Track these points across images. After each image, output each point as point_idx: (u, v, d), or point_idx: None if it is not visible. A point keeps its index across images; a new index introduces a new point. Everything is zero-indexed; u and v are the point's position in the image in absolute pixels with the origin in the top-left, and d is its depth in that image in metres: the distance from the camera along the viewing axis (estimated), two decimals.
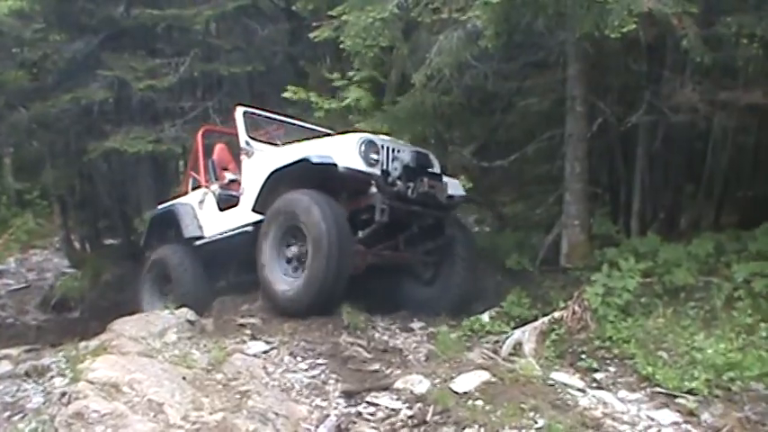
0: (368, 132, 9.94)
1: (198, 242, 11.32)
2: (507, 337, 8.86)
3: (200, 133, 12.39)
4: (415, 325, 9.80)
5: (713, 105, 9.73)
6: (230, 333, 9.06)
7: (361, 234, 9.62)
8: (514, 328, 9.17)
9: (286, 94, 11.92)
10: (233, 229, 10.65)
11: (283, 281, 9.49)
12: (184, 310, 9.65)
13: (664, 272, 9.31)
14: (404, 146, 10.09)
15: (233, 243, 10.70)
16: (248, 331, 9.01)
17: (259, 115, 11.42)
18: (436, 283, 10.51)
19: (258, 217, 10.03)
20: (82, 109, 15.55)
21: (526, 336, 8.66)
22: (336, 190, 9.60)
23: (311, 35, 11.34)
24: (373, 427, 6.52)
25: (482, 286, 10.89)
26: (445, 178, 10.21)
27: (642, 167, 11.01)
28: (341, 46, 10.61)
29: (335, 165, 9.31)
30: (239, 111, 11.04)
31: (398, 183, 9.59)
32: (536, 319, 9.14)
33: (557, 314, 8.85)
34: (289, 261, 9.61)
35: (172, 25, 15.51)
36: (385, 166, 9.63)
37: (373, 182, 9.48)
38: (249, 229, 10.28)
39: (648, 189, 11.14)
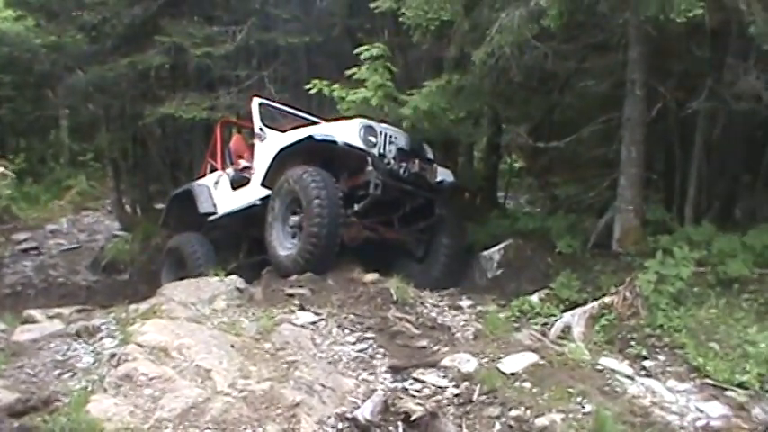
0: (368, 119, 10.77)
1: (211, 218, 12.66)
2: (556, 320, 8.82)
3: (218, 125, 13.67)
4: (464, 303, 9.82)
5: None
6: (279, 303, 9.10)
7: (357, 207, 10.56)
8: (564, 310, 9.10)
9: (307, 87, 11.92)
10: (244, 206, 11.86)
11: (284, 246, 10.48)
12: (234, 277, 9.74)
13: (718, 262, 9.12)
14: (400, 133, 11.03)
15: (243, 218, 11.98)
16: (297, 302, 9.05)
17: (273, 107, 12.54)
18: (426, 261, 11.39)
19: (266, 192, 11.12)
20: (138, 74, 15.62)
21: (575, 319, 8.60)
22: (338, 169, 10.61)
23: (372, 5, 11.35)
24: (419, 404, 6.50)
25: (531, 267, 10.85)
26: (437, 166, 11.31)
27: (699, 155, 10.80)
28: (401, 19, 10.68)
29: (336, 142, 10.35)
30: (255, 101, 12.27)
31: (392, 162, 10.70)
32: (586, 302, 9.05)
33: (607, 299, 8.76)
34: (291, 229, 10.57)
35: None
36: (382, 150, 10.71)
37: (369, 159, 10.40)
38: (258, 203, 11.42)
39: (705, 177, 10.93)
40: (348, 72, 11.31)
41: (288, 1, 15.25)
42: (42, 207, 20.25)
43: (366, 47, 11.32)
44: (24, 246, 18.01)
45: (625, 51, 10.31)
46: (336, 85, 11.39)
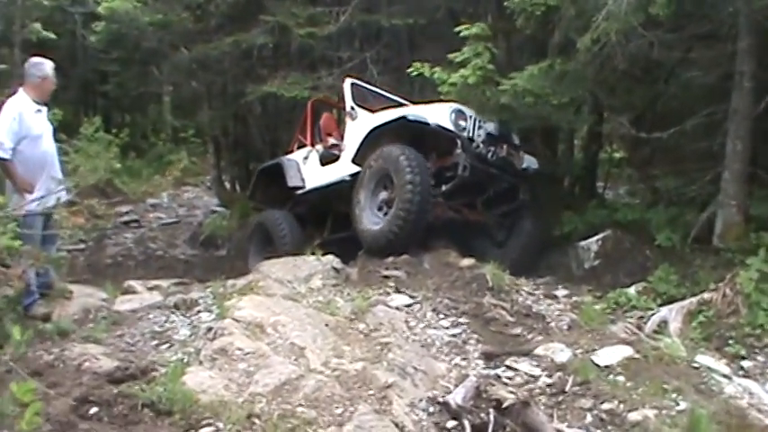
0: (460, 104, 10.94)
1: (299, 192, 12.97)
2: (653, 314, 8.69)
3: (309, 103, 13.79)
4: (560, 292, 9.77)
5: None
6: (374, 284, 9.20)
7: (444, 188, 10.85)
8: (661, 305, 8.96)
9: (410, 70, 11.94)
10: (332, 181, 12.14)
11: (372, 221, 10.77)
12: (330, 257, 9.82)
13: None
14: (489, 119, 11.18)
15: (330, 193, 12.25)
16: (392, 284, 9.13)
17: (364, 87, 12.72)
18: (505, 245, 11.59)
19: (355, 169, 11.45)
20: (242, 52, 15.86)
21: (672, 314, 8.47)
22: (427, 148, 10.85)
23: None
24: (511, 392, 6.46)
25: (629, 259, 10.71)
26: (523, 153, 11.59)
27: None
28: (505, 3, 10.72)
29: (428, 123, 10.65)
30: (347, 81, 12.54)
31: (481, 146, 10.94)
32: (684, 298, 8.90)
33: (706, 295, 8.58)
34: (379, 205, 10.88)
35: None
36: (471, 133, 10.93)
37: (459, 142, 10.69)
38: (347, 179, 11.69)
39: None
40: (451, 56, 11.25)
41: None
42: (144, 181, 20.67)
43: (467, 26, 11.29)
44: (126, 218, 18.49)
45: (734, 42, 10.04)
46: (438, 68, 11.37)
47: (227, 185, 20.30)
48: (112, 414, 5.43)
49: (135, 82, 22.00)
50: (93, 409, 5.43)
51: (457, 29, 11.46)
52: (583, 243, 11.20)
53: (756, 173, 10.70)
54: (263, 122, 19.04)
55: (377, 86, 13.24)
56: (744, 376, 7.32)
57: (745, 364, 7.58)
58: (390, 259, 9.96)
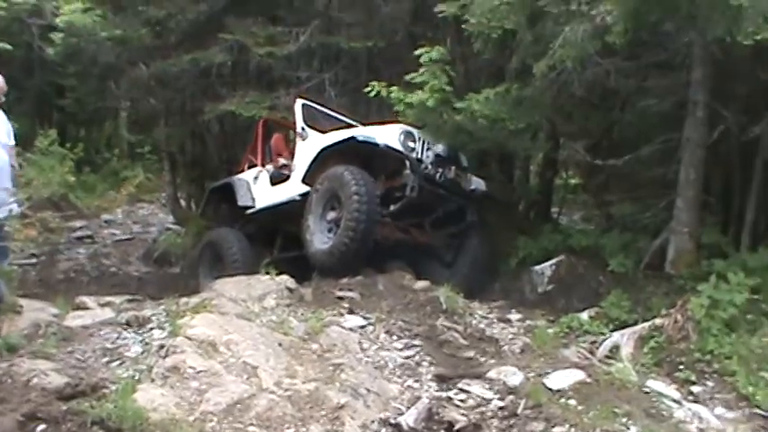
0: (409, 125, 11.10)
1: (249, 211, 13.04)
2: (605, 339, 8.75)
3: (260, 123, 14.01)
4: (513, 316, 9.76)
5: None
6: (328, 305, 9.15)
7: (392, 208, 11.00)
8: (613, 330, 9.02)
9: (366, 89, 11.98)
10: (282, 201, 12.25)
11: (321, 240, 10.87)
12: (284, 276, 9.79)
13: None
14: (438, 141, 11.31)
15: (281, 213, 12.33)
16: (346, 305, 9.10)
17: (315, 108, 12.92)
18: (453, 266, 11.68)
19: (305, 189, 11.52)
20: (200, 70, 15.74)
21: (624, 339, 8.53)
22: (376, 170, 11.04)
23: (437, 9, 11.34)
24: (463, 414, 6.49)
25: (582, 284, 10.78)
26: (471, 175, 11.72)
27: (759, 179, 10.64)
28: (463, 26, 10.73)
29: (377, 144, 10.83)
30: (298, 102, 12.77)
31: (430, 167, 11.06)
32: (635, 323, 8.97)
33: (658, 321, 8.66)
34: (329, 226, 10.93)
35: None
36: (420, 155, 11.07)
37: (408, 162, 10.84)
38: (297, 198, 11.77)
39: (764, 202, 10.76)
40: (408, 76, 11.29)
41: (352, 5, 15.26)
42: (98, 197, 20.52)
43: (426, 49, 11.36)
44: (79, 234, 18.29)
45: (688, 72, 10.18)
46: (395, 88, 11.40)
47: (183, 203, 20.14)
48: (60, 431, 5.35)
49: (92, 97, 21.78)
50: (41, 426, 5.36)
51: (416, 52, 11.51)
52: (537, 268, 11.26)
53: (708, 201, 10.85)
54: (221, 141, 18.91)
55: (329, 108, 13.40)
56: (693, 401, 7.38)
57: (695, 389, 7.65)
58: (345, 280, 9.96)
